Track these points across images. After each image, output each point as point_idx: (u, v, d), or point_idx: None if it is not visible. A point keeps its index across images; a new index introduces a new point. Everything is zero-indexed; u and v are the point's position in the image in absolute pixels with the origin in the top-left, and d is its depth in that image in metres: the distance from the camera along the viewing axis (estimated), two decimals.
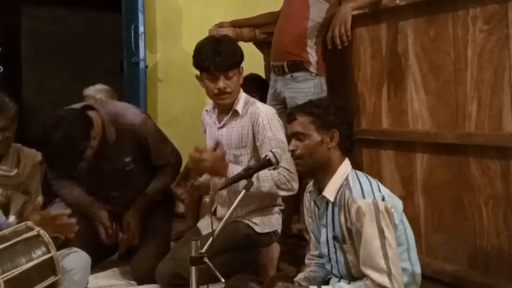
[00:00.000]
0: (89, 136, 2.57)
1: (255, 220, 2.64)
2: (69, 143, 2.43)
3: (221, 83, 2.55)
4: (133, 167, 2.85)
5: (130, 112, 2.85)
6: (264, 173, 2.48)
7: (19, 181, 2.85)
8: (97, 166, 2.78)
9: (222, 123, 2.69)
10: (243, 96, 2.68)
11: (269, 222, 2.67)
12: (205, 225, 2.78)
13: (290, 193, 2.56)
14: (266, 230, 2.66)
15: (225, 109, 2.67)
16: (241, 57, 2.61)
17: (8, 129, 2.73)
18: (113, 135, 2.75)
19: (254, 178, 2.41)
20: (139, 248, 2.84)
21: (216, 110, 2.75)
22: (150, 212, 2.91)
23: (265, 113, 2.58)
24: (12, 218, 2.62)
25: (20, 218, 2.57)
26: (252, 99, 2.70)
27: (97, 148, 2.67)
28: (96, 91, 3.91)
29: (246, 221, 2.63)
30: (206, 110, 2.85)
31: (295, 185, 2.53)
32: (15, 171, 2.81)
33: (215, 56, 2.52)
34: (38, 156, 2.94)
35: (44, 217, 2.24)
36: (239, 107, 2.64)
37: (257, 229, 2.63)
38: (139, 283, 2.75)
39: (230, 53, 2.54)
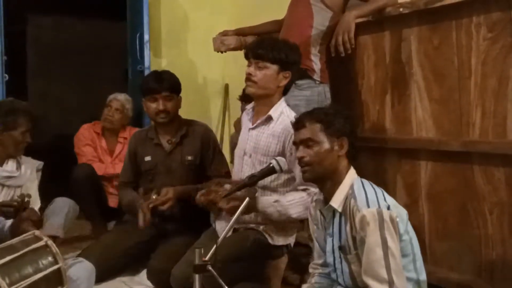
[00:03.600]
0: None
1: (271, 231, 2.61)
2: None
3: (249, 69, 2.60)
4: (191, 167, 3.09)
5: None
6: (292, 198, 2.47)
7: (21, 183, 2.89)
8: (163, 160, 3.09)
9: (255, 124, 2.68)
10: (282, 104, 2.65)
11: (284, 235, 2.65)
12: (222, 228, 2.76)
13: None
14: (281, 243, 2.64)
15: (262, 111, 2.65)
16: (283, 56, 2.56)
17: None
18: (183, 129, 3.11)
19: (281, 207, 2.46)
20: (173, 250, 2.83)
21: (254, 111, 2.75)
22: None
23: None
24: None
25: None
26: (290, 111, 2.63)
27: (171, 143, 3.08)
28: (126, 101, 3.96)
29: (263, 231, 2.61)
30: (246, 109, 2.85)
31: None
32: (18, 172, 2.87)
33: (256, 44, 2.65)
34: (35, 163, 3.03)
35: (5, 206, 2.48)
36: (274, 113, 2.61)
37: (271, 240, 2.61)
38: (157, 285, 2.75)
39: (269, 46, 2.58)
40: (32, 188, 2.96)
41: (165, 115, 3.05)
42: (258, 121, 2.65)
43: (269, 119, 2.61)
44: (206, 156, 3.10)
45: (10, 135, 2.78)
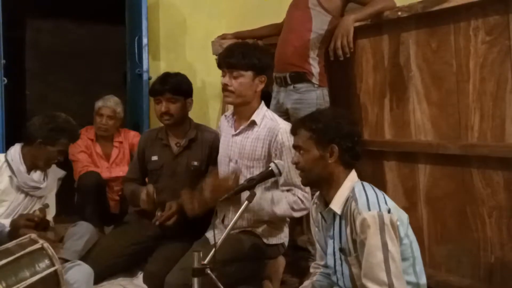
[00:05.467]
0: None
1: (264, 231, 2.64)
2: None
3: (224, 80, 2.60)
4: (196, 172, 3.03)
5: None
6: (278, 195, 2.49)
7: (44, 194, 2.91)
8: (170, 162, 3.08)
9: (238, 130, 2.68)
10: (263, 108, 2.67)
11: (277, 234, 2.67)
12: (212, 236, 2.76)
13: (304, 213, 2.54)
14: (275, 242, 2.66)
15: (243, 117, 2.67)
16: (256, 62, 2.57)
17: None
18: (192, 133, 3.08)
19: (268, 202, 2.44)
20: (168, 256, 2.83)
21: (234, 117, 2.76)
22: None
23: (284, 130, 2.54)
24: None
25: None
26: (272, 114, 2.68)
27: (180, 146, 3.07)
28: (116, 105, 3.91)
29: (256, 232, 2.63)
30: (225, 115, 2.86)
31: (309, 204, 2.48)
32: (44, 183, 2.87)
33: (226, 54, 2.62)
34: (58, 172, 3.03)
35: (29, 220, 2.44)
36: (257, 117, 2.63)
37: (266, 240, 2.63)
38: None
39: (240, 54, 2.57)
40: (50, 197, 2.97)
41: (168, 117, 3.04)
42: (241, 127, 2.67)
43: (253, 124, 2.63)
44: (213, 164, 3.05)
45: (46, 149, 2.78)
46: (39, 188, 2.85)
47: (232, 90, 2.58)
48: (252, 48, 2.67)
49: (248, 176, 2.58)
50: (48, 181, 2.91)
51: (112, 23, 5.46)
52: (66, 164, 3.82)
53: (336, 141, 1.98)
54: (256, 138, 2.60)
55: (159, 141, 3.14)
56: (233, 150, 2.68)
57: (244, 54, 2.57)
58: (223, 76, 2.62)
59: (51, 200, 2.98)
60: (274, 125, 2.58)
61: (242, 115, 2.68)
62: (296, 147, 2.06)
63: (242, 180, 2.62)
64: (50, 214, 2.92)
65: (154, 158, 3.13)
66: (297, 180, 2.37)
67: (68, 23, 6.55)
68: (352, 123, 2.08)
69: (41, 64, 6.57)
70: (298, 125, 2.07)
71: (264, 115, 2.65)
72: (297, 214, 2.53)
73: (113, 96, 3.97)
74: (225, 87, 2.60)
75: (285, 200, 2.49)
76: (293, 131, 2.09)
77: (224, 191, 2.34)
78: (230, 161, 2.70)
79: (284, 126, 2.57)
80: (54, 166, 2.98)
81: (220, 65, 2.64)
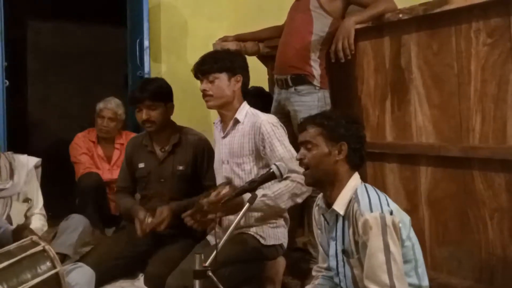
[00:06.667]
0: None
1: (261, 232, 2.64)
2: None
3: (202, 86, 2.69)
4: (183, 177, 3.06)
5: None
6: (278, 188, 2.46)
7: (17, 191, 2.85)
8: (156, 168, 3.09)
9: (225, 132, 2.74)
10: (245, 107, 2.73)
11: (275, 235, 2.67)
12: (213, 239, 2.77)
13: (306, 195, 2.53)
14: (272, 243, 2.65)
15: (228, 119, 2.73)
16: (227, 64, 2.67)
17: None
18: (176, 137, 3.08)
19: (270, 200, 2.43)
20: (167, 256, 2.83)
21: (222, 123, 2.81)
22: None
23: (266, 121, 2.61)
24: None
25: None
26: (254, 110, 2.73)
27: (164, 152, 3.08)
28: (117, 107, 3.91)
29: (253, 233, 2.63)
30: (214, 123, 2.90)
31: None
32: (10, 182, 2.82)
33: (199, 62, 2.72)
34: (31, 161, 2.97)
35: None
36: (240, 115, 2.69)
37: (263, 241, 2.63)
38: None
39: (211, 60, 2.68)
40: (30, 191, 2.93)
41: (150, 124, 3.03)
42: (228, 128, 2.73)
43: (236, 122, 2.70)
44: (200, 166, 3.08)
45: None
46: (4, 188, 2.79)
47: (211, 94, 2.67)
48: (222, 52, 2.81)
49: (240, 173, 2.63)
50: (16, 177, 2.85)
51: (113, 25, 5.48)
52: (68, 164, 3.85)
53: (346, 139, 1.99)
54: (242, 135, 2.66)
55: (144, 148, 3.14)
56: (224, 152, 2.73)
57: (215, 59, 2.69)
58: (201, 84, 2.71)
59: (33, 193, 2.95)
60: (255, 119, 2.64)
61: (227, 117, 2.74)
62: (303, 142, 2.06)
63: (234, 180, 2.66)
64: (37, 207, 2.91)
65: (141, 165, 3.13)
66: (292, 165, 2.37)
67: (69, 24, 6.56)
68: (360, 126, 2.10)
69: (43, 66, 6.58)
70: (308, 121, 2.08)
71: (246, 112, 2.71)
72: (300, 200, 2.53)
73: (114, 98, 3.98)
74: (204, 93, 2.69)
75: (286, 190, 2.46)
76: (301, 128, 2.09)
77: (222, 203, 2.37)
78: (223, 163, 2.74)
79: (265, 118, 2.64)
80: (23, 157, 2.93)
81: (196, 75, 2.74)
